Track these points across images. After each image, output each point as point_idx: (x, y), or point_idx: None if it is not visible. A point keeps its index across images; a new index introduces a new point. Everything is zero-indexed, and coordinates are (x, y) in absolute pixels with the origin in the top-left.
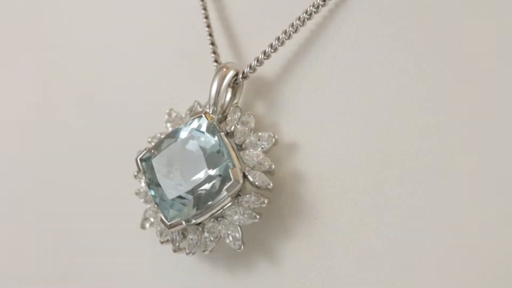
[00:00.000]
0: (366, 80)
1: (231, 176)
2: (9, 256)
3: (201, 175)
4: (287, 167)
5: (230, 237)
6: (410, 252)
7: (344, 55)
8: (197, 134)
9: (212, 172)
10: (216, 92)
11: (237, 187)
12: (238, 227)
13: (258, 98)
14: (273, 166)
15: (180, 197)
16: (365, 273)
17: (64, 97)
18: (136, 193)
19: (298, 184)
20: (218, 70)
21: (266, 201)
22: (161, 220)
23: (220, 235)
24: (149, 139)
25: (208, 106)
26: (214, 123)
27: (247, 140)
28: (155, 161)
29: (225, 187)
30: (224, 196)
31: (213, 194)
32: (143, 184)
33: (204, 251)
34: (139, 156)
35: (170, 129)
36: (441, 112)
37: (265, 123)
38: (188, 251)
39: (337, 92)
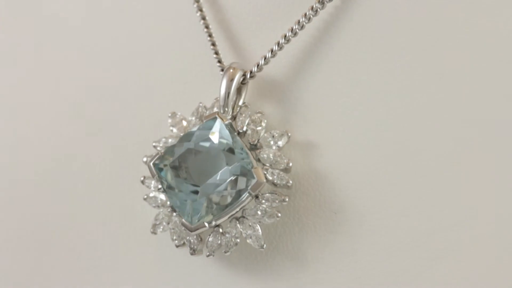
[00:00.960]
0: (376, 75)
1: (255, 176)
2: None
3: (220, 177)
4: (300, 164)
5: (253, 237)
6: (434, 242)
7: (351, 51)
8: (213, 136)
9: (231, 173)
10: (226, 93)
11: (261, 187)
12: (259, 227)
13: (263, 97)
14: (291, 164)
15: (199, 199)
16: (391, 266)
17: (63, 100)
18: (145, 199)
19: (313, 181)
20: (226, 71)
21: (287, 199)
22: (183, 223)
23: (242, 236)
24: (154, 144)
25: (217, 107)
26: (229, 124)
27: (261, 139)
28: (171, 165)
29: (249, 187)
30: (245, 196)
31: (233, 195)
32: (152, 189)
33: (226, 252)
34: (153, 161)
35: (175, 131)
36: (456, 104)
37: (273, 121)
38: (208, 253)
39: (347, 88)
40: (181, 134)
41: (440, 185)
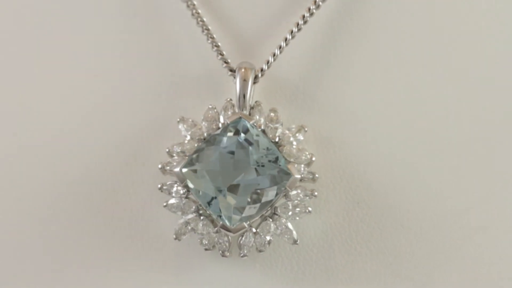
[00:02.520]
0: (387, 70)
1: (291, 172)
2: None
3: (253, 176)
4: (316, 159)
5: (286, 234)
6: (457, 226)
7: (360, 45)
8: (241, 137)
9: (268, 171)
10: (242, 93)
11: (296, 183)
12: (289, 223)
13: (271, 94)
14: (314, 158)
15: (239, 200)
16: (419, 250)
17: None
18: (165, 206)
19: (330, 174)
20: (238, 71)
21: (316, 193)
22: (223, 226)
23: (275, 233)
24: (168, 149)
25: (230, 108)
26: (254, 123)
27: (280, 136)
28: (204, 169)
29: (287, 184)
30: (278, 193)
31: (267, 193)
32: (173, 195)
33: (260, 250)
34: (181, 167)
35: (188, 137)
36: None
37: (284, 117)
38: (242, 254)
39: (358, 82)
40: (197, 138)
41: (461, 167)
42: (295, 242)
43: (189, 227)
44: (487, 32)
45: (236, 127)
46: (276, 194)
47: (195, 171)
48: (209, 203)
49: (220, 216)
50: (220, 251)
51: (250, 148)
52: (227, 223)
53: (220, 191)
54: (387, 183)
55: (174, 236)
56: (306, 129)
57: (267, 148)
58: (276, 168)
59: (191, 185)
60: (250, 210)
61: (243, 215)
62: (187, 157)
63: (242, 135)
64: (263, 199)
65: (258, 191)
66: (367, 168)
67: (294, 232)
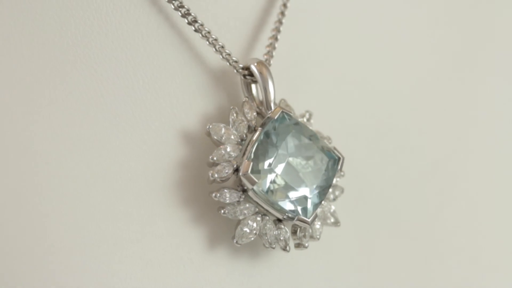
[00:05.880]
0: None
1: (339, 155)
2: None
3: (319, 166)
4: None
5: (332, 217)
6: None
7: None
8: (291, 130)
9: (326, 156)
10: (268, 89)
11: None
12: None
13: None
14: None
15: (312, 189)
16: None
17: None
18: (224, 213)
19: None
20: (257, 67)
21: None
22: (299, 219)
23: (322, 219)
24: (214, 158)
25: (247, 106)
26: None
27: None
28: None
29: (340, 167)
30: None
31: (330, 178)
32: (227, 200)
33: (318, 238)
34: (249, 170)
35: (229, 149)
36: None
37: None
38: (305, 245)
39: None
40: (235, 142)
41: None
42: (337, 224)
43: (250, 230)
44: None
45: (281, 121)
46: (331, 181)
47: (259, 172)
48: (278, 200)
49: (293, 210)
50: (284, 247)
51: (303, 137)
52: (303, 215)
53: (292, 187)
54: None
55: (235, 241)
56: (311, 112)
57: (312, 135)
58: (326, 155)
59: (257, 187)
60: (318, 197)
61: (314, 202)
62: (234, 162)
63: (289, 127)
64: (327, 183)
65: (321, 180)
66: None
67: (337, 214)
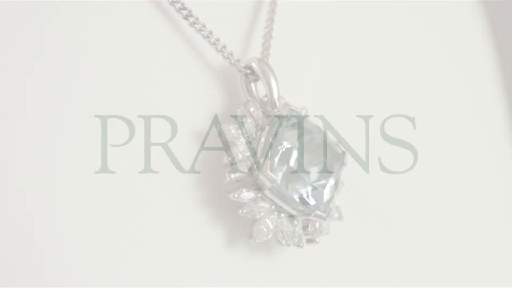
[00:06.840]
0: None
1: (343, 149)
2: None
3: (329, 160)
4: None
5: (336, 212)
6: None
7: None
8: (302, 128)
9: (331, 153)
10: (271, 85)
11: None
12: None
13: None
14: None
15: (327, 183)
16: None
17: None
18: (243, 213)
19: None
20: (258, 65)
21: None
22: (316, 215)
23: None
24: (229, 159)
25: (253, 105)
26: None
27: None
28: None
29: (344, 160)
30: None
31: (338, 173)
32: (245, 200)
33: (327, 233)
34: (268, 170)
35: (242, 148)
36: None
37: None
38: (317, 240)
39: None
40: (246, 141)
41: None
42: (342, 218)
43: (267, 228)
44: None
45: (289, 118)
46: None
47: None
48: (293, 196)
49: (308, 206)
50: (299, 243)
51: (312, 133)
52: (318, 210)
53: (314, 186)
54: None
55: (254, 240)
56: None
57: (319, 130)
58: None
59: (276, 186)
60: (330, 192)
61: (328, 198)
62: (248, 162)
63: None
64: (338, 181)
65: (337, 173)
66: None
67: (340, 209)
